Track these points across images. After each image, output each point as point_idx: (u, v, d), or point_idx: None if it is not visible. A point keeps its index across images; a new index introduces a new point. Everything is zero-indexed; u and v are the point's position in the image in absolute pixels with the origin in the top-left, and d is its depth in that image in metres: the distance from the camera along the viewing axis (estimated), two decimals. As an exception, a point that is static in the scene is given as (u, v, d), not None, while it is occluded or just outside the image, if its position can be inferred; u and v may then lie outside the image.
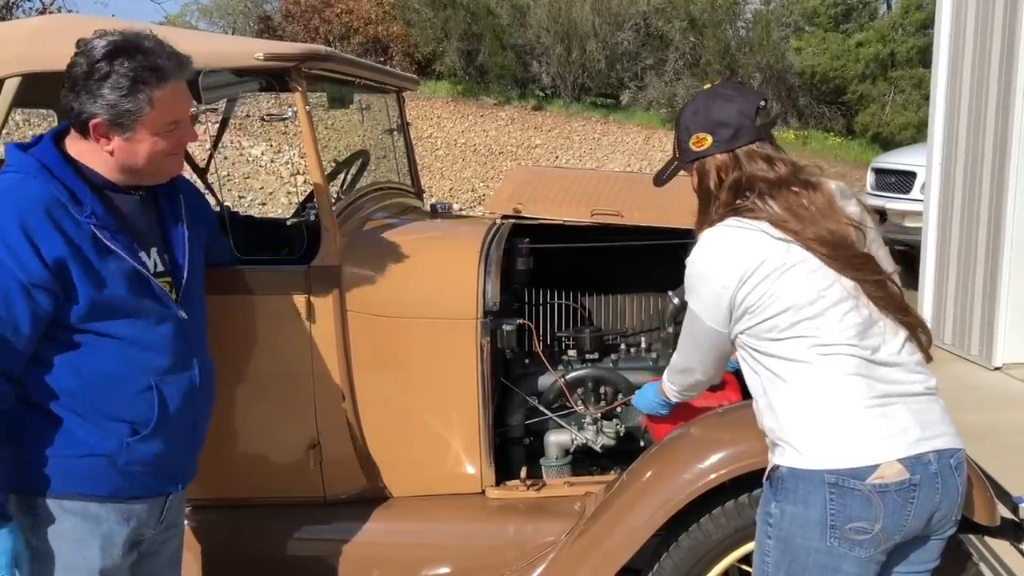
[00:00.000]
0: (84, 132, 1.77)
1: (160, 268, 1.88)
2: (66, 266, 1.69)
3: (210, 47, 2.36)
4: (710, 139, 1.81)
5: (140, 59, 1.73)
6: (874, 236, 1.80)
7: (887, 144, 14.32)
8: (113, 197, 1.82)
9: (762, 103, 1.81)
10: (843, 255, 1.69)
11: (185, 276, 1.92)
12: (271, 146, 11.50)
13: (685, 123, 1.86)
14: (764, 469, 1.81)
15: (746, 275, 1.70)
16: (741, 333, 1.76)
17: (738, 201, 1.76)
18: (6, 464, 1.68)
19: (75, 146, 1.81)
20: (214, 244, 2.23)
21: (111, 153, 1.78)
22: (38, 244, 1.66)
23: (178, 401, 1.87)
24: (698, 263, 1.78)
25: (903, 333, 1.73)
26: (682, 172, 1.93)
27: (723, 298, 1.74)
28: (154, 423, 1.82)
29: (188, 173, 2.56)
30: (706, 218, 1.82)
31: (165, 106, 1.77)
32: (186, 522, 2.36)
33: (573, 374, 2.67)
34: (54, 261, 1.67)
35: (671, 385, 2.10)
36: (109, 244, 1.74)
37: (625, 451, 2.59)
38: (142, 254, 1.83)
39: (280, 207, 9.89)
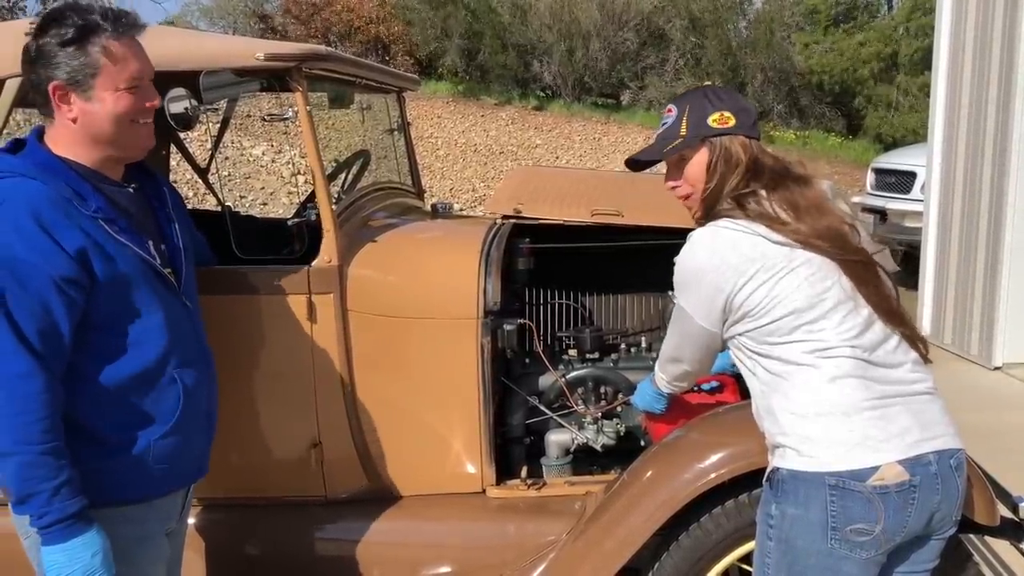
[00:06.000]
0: (49, 107, 1.73)
1: (161, 260, 1.88)
2: (88, 256, 1.67)
3: (210, 47, 2.37)
4: (735, 119, 1.79)
5: (84, 14, 1.71)
6: (864, 236, 1.80)
7: (890, 147, 14.31)
8: (110, 191, 1.80)
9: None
10: (841, 248, 1.69)
11: (184, 266, 1.93)
12: (272, 146, 11.50)
13: (705, 100, 1.82)
14: (764, 468, 1.81)
15: (743, 279, 1.69)
16: (739, 335, 1.76)
17: (749, 187, 1.74)
18: (78, 478, 1.66)
19: (54, 140, 1.77)
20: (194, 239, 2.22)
21: (75, 120, 1.73)
22: (58, 238, 1.64)
23: (196, 391, 1.88)
24: (690, 263, 1.76)
25: (899, 333, 1.73)
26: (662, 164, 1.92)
27: (717, 300, 1.73)
28: (178, 416, 1.82)
29: (189, 173, 2.56)
30: (715, 201, 1.77)
31: (121, 58, 1.73)
32: (189, 520, 2.37)
33: (573, 374, 2.67)
34: (77, 252, 1.65)
35: (662, 375, 2.09)
36: (119, 237, 1.73)
37: (625, 451, 2.59)
38: (148, 244, 1.83)
39: (281, 207, 9.91)
